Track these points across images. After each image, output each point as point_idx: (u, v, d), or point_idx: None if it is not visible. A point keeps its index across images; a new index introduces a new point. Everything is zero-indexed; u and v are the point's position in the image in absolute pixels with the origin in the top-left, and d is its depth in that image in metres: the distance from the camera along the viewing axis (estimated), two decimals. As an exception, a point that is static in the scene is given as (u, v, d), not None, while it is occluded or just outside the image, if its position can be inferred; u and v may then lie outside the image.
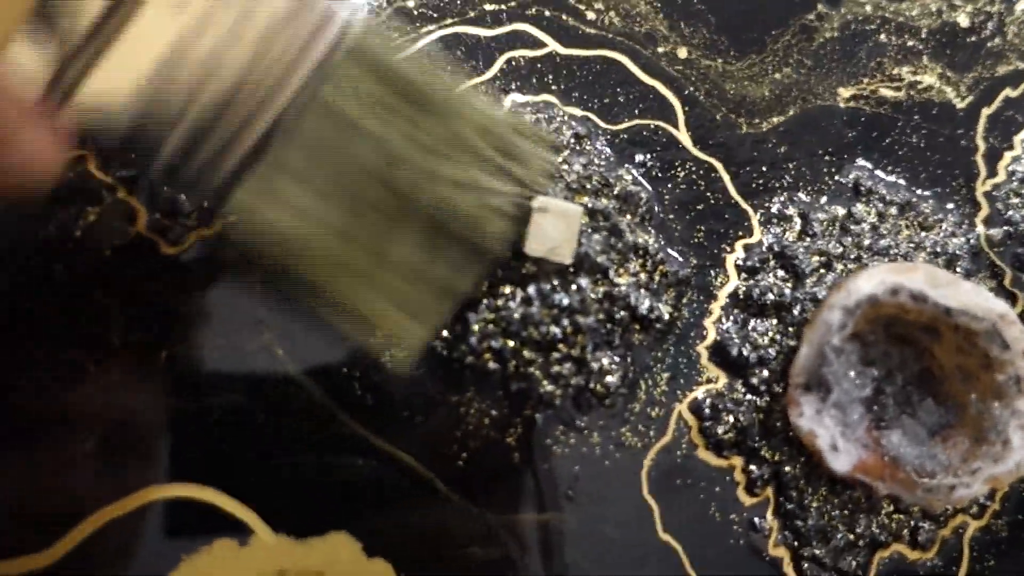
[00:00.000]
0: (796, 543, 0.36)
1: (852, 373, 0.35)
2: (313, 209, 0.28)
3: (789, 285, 0.37)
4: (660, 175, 0.38)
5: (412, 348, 0.31)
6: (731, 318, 0.37)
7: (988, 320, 0.32)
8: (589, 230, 0.35)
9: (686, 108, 0.39)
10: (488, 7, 0.38)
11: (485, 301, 0.34)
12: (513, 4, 0.38)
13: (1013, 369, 0.33)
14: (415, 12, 0.37)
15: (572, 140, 0.37)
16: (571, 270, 0.35)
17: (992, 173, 0.41)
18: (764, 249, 0.38)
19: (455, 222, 0.30)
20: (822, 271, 0.37)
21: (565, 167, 0.36)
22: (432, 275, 0.30)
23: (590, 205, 0.35)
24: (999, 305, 0.33)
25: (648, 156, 0.38)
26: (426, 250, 0.30)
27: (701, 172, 0.38)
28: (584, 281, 0.35)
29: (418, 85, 0.29)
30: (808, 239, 0.38)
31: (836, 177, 0.40)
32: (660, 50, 0.39)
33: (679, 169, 0.38)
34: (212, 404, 0.33)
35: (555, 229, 0.33)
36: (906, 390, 0.36)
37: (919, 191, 0.40)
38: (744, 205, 0.39)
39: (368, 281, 0.29)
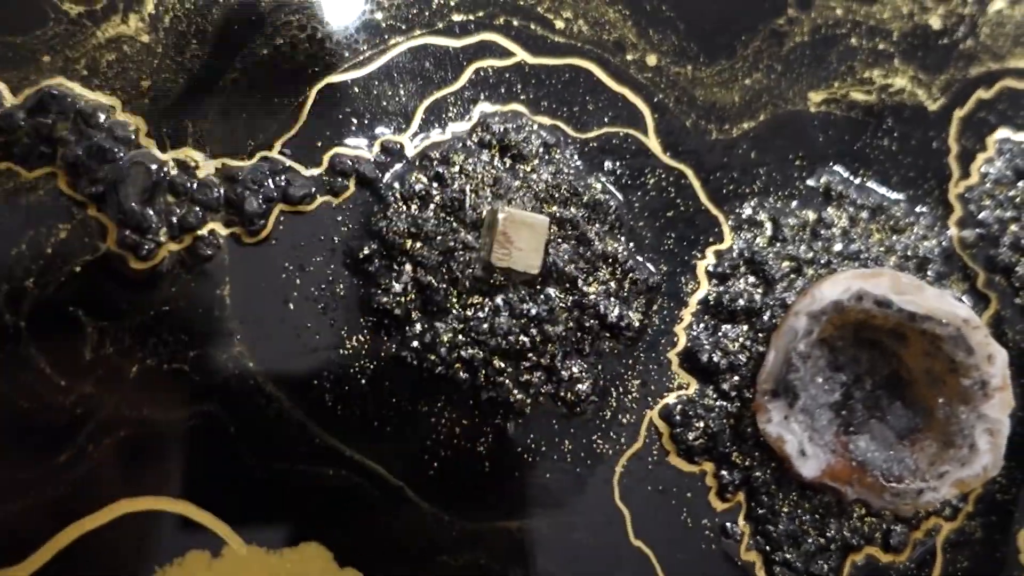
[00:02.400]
0: (768, 547, 0.36)
1: (820, 378, 0.35)
2: None
3: (759, 291, 0.38)
4: (630, 183, 0.38)
5: None
6: (702, 324, 0.37)
7: (952, 325, 0.33)
8: (558, 240, 0.35)
9: (656, 115, 0.39)
10: (456, 18, 0.38)
11: (454, 311, 0.35)
12: (481, 15, 0.38)
13: (978, 374, 0.33)
14: (383, 24, 0.37)
15: (541, 149, 0.37)
16: (539, 280, 0.35)
17: (965, 175, 0.41)
18: (735, 255, 0.38)
19: None
20: (792, 276, 0.38)
21: (534, 176, 0.36)
22: None
23: (558, 214, 0.36)
24: (963, 310, 0.33)
25: (618, 164, 0.38)
26: None
27: (671, 179, 0.38)
28: (553, 290, 0.35)
29: None
30: (778, 244, 0.38)
31: (807, 182, 0.40)
32: (629, 57, 0.39)
33: (649, 176, 0.38)
34: (183, 415, 0.33)
35: (522, 240, 0.33)
36: (875, 394, 0.36)
37: (891, 194, 0.40)
38: (715, 211, 0.39)
39: None
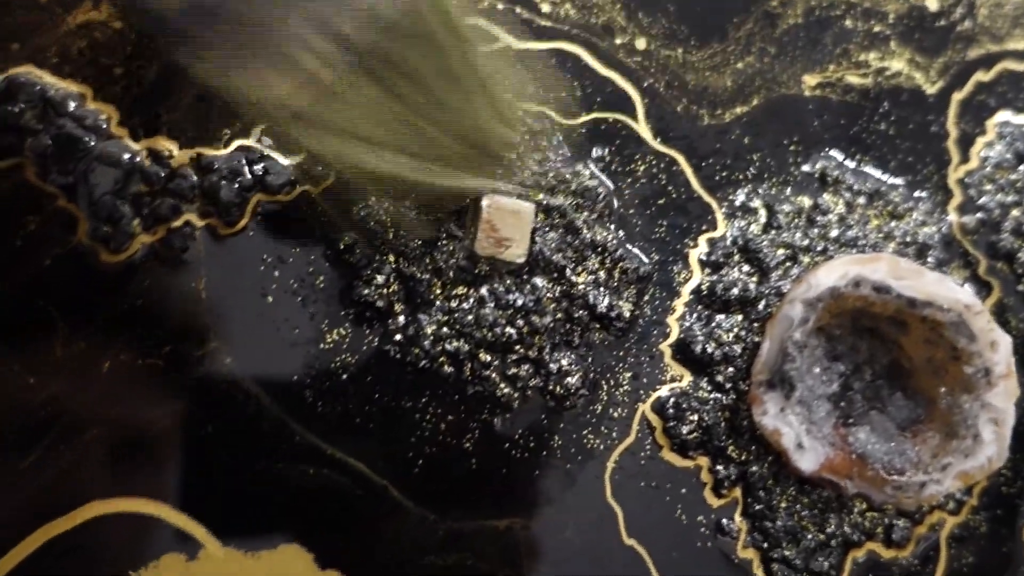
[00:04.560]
0: (765, 545, 0.35)
1: (817, 369, 0.34)
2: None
3: (754, 280, 0.36)
4: (620, 170, 0.37)
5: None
6: (695, 314, 0.36)
7: (954, 311, 0.31)
8: (545, 228, 0.34)
9: (646, 100, 0.38)
10: (439, 2, 0.37)
11: (438, 303, 0.33)
12: (465, -2, 0.37)
13: (981, 361, 0.32)
14: (363, 8, 0.36)
15: (528, 137, 0.36)
16: (526, 269, 0.34)
17: (964, 159, 0.40)
18: (728, 243, 0.37)
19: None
20: (788, 264, 0.37)
21: (519, 164, 0.35)
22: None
23: (545, 202, 0.34)
24: (965, 295, 0.32)
25: (607, 151, 0.37)
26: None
27: (662, 165, 0.37)
28: (540, 280, 0.34)
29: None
30: (773, 232, 0.37)
31: (802, 167, 0.39)
32: (618, 41, 0.38)
33: (639, 163, 0.37)
34: (158, 414, 0.32)
35: (507, 227, 0.32)
36: (875, 384, 0.35)
37: (889, 180, 0.39)
38: (707, 198, 0.38)
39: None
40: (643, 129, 0.37)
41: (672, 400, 0.35)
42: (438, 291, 0.33)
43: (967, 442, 0.32)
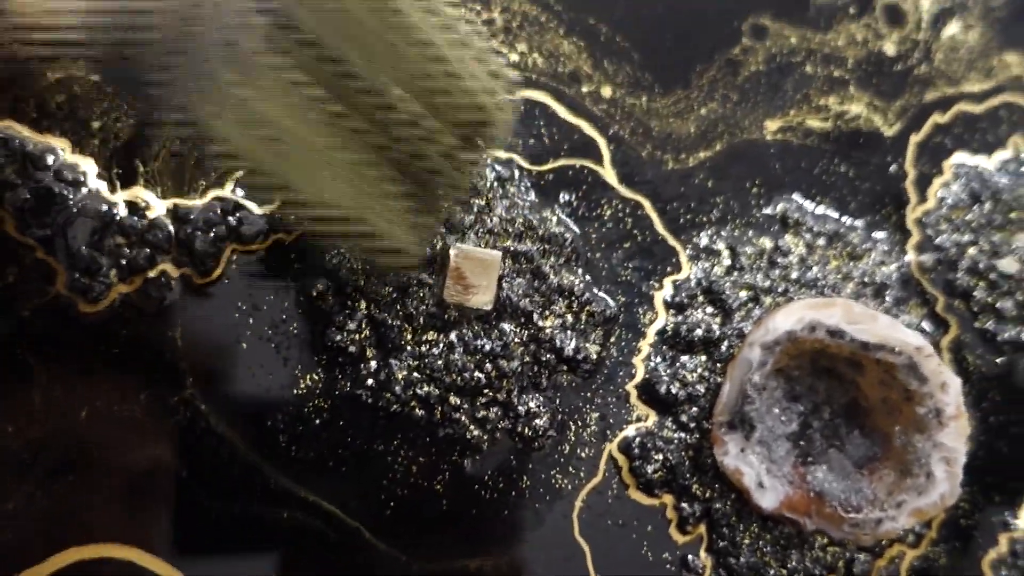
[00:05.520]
0: (730, 580, 0.36)
1: (776, 409, 0.35)
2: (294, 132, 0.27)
3: (718, 320, 0.37)
4: (587, 214, 0.38)
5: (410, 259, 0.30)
6: (660, 355, 0.37)
7: (905, 354, 0.33)
8: (512, 274, 0.35)
9: (611, 146, 0.39)
10: (410, 53, 0.38)
11: (409, 348, 0.34)
12: (435, 49, 0.38)
13: (932, 402, 0.33)
14: (336, 61, 0.37)
15: (495, 184, 0.37)
16: (493, 315, 0.35)
17: (922, 199, 0.42)
18: (692, 285, 0.38)
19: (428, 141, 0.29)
20: (750, 305, 0.38)
21: (487, 211, 0.36)
22: (419, 190, 0.29)
23: (513, 249, 0.36)
24: (915, 338, 0.33)
25: (574, 196, 0.38)
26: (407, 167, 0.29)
27: (628, 210, 0.39)
28: (508, 325, 0.35)
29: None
30: (736, 273, 0.38)
31: (764, 210, 0.40)
32: (584, 89, 0.39)
33: (605, 208, 0.38)
34: (134, 459, 0.33)
35: (474, 276, 0.33)
36: (833, 423, 0.36)
37: (848, 221, 0.40)
38: (672, 241, 0.39)
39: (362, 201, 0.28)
40: (609, 174, 0.39)
41: (638, 440, 0.36)
42: (409, 337, 0.34)
43: (920, 480, 0.33)
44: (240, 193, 0.35)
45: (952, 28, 0.43)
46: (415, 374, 0.34)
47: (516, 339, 0.35)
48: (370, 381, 0.34)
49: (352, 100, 0.27)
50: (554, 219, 0.37)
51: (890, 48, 0.42)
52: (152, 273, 0.34)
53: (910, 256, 0.40)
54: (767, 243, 0.39)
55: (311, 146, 0.27)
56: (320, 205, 0.28)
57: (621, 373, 0.37)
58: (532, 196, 0.37)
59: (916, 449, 0.33)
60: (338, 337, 0.34)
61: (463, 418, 0.35)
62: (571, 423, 0.36)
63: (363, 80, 0.27)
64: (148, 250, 0.34)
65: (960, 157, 0.42)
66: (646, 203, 0.39)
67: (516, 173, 0.37)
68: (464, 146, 0.30)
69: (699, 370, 0.37)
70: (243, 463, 0.34)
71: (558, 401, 0.36)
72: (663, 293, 0.38)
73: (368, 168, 0.28)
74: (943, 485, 0.33)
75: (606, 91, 0.39)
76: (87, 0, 0.26)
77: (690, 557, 0.36)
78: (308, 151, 0.27)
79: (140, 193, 0.34)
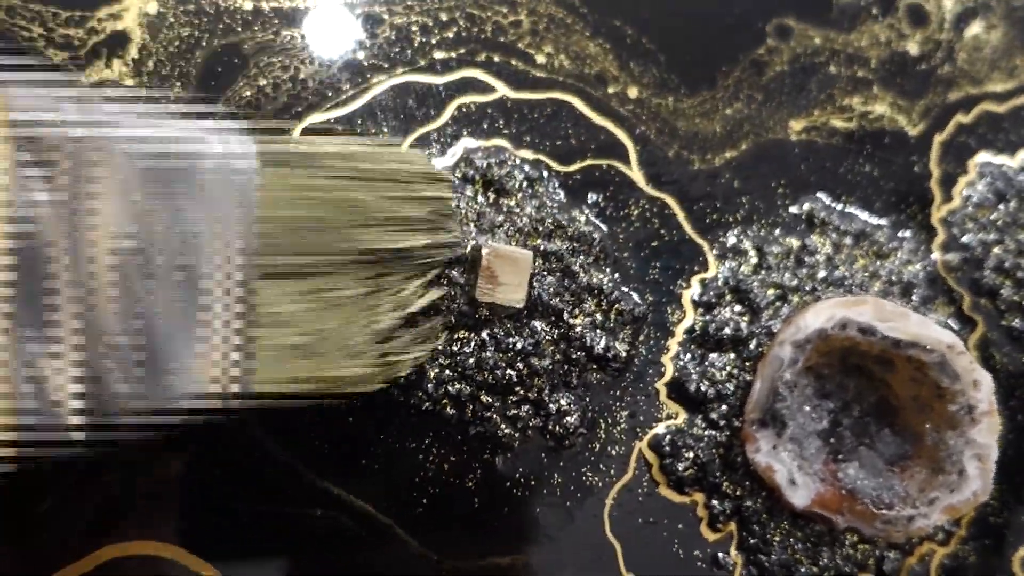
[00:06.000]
0: (761, 578, 0.36)
1: (807, 407, 0.35)
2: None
3: (745, 319, 0.38)
4: (614, 214, 0.38)
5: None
6: (689, 354, 0.37)
7: (937, 351, 0.33)
8: (543, 273, 0.36)
9: (638, 147, 0.39)
10: (438, 55, 0.38)
11: (440, 346, 0.35)
12: (463, 51, 0.38)
13: (964, 399, 0.33)
14: (365, 63, 0.37)
15: (524, 184, 0.37)
16: (525, 313, 0.35)
17: (947, 198, 0.42)
18: (720, 284, 0.38)
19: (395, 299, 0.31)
20: (778, 304, 0.38)
21: (517, 211, 0.36)
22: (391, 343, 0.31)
23: (543, 248, 0.36)
24: (947, 336, 0.33)
25: (601, 196, 0.38)
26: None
27: (655, 209, 0.39)
28: (538, 324, 0.35)
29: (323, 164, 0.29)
30: (763, 272, 0.38)
31: (790, 209, 0.40)
32: (611, 90, 0.39)
33: (633, 208, 0.39)
34: (168, 458, 0.33)
35: (506, 274, 0.34)
36: (863, 421, 0.36)
37: (874, 220, 0.40)
38: (699, 240, 0.39)
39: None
40: (636, 175, 0.39)
41: (668, 437, 0.36)
42: (440, 335, 0.35)
43: (953, 477, 0.33)
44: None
45: (975, 28, 0.43)
46: (447, 372, 0.34)
47: (547, 337, 0.35)
48: (402, 380, 0.34)
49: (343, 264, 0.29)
50: (583, 219, 0.37)
51: (913, 48, 0.43)
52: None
53: (936, 255, 0.40)
54: (794, 242, 0.39)
55: (336, 333, 0.29)
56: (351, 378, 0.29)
57: (650, 371, 0.37)
58: (561, 196, 0.38)
59: (948, 446, 0.33)
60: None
61: (494, 416, 0.35)
62: (601, 421, 0.36)
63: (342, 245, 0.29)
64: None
65: (984, 156, 0.42)
66: (673, 203, 0.39)
67: (545, 173, 0.38)
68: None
69: (728, 368, 0.37)
70: (276, 462, 0.34)
71: (588, 399, 0.36)
72: (691, 292, 0.38)
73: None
74: (976, 482, 0.33)
75: (632, 92, 0.40)
76: None
77: (720, 555, 0.36)
78: (336, 339, 0.29)
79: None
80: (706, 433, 0.37)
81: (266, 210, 0.27)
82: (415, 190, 0.31)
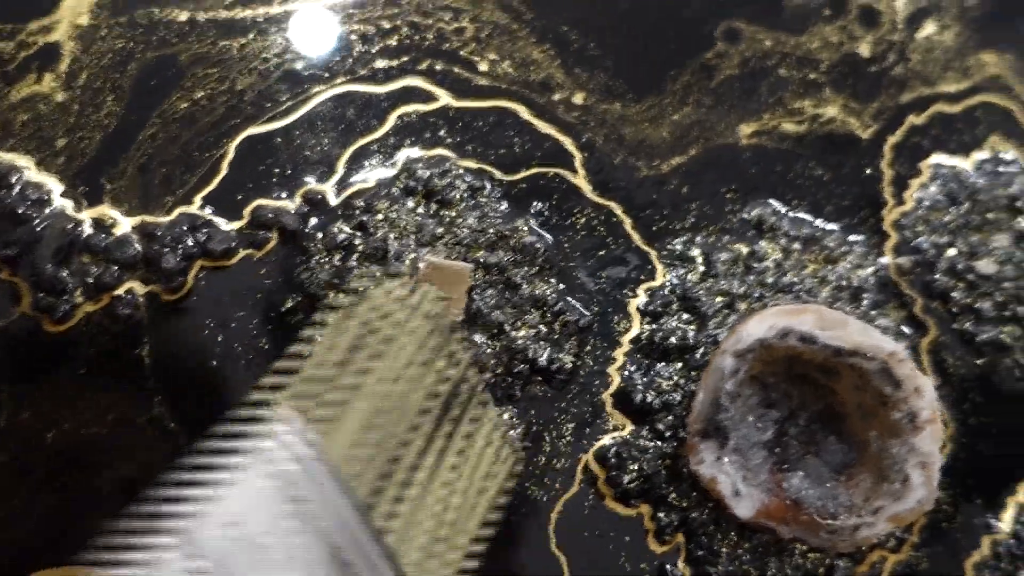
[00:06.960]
0: (709, 589, 0.36)
1: (752, 417, 0.35)
2: None
3: (693, 327, 0.37)
4: (560, 223, 0.38)
5: None
6: (635, 364, 0.37)
7: (878, 359, 0.32)
8: (483, 285, 0.35)
9: (584, 154, 0.39)
10: (379, 64, 0.38)
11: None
12: (404, 60, 0.38)
13: (907, 407, 0.32)
14: (303, 73, 0.37)
15: (466, 194, 0.37)
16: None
17: (899, 202, 0.41)
18: (667, 292, 0.38)
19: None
20: (726, 311, 0.37)
21: (459, 222, 0.36)
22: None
23: (484, 260, 0.35)
24: (888, 343, 0.33)
25: (546, 205, 0.38)
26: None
27: (601, 218, 0.38)
28: (479, 337, 0.35)
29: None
30: (711, 280, 0.38)
31: (739, 215, 0.39)
32: (556, 97, 0.39)
33: (579, 216, 0.38)
34: (102, 480, 0.33)
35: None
36: (810, 429, 0.36)
37: (824, 224, 0.40)
38: (646, 248, 0.39)
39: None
40: (582, 183, 0.38)
41: (614, 449, 0.36)
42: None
43: (897, 485, 0.33)
44: (208, 209, 0.35)
45: (928, 28, 0.43)
46: (387, 388, 0.34)
47: (488, 350, 0.35)
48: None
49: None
50: (526, 229, 0.37)
51: (865, 50, 0.42)
52: (119, 291, 0.33)
53: (887, 259, 0.40)
54: (742, 249, 0.39)
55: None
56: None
57: (596, 382, 0.37)
58: (504, 206, 0.37)
59: (892, 454, 0.33)
60: (307, 353, 0.34)
61: (436, 431, 0.34)
62: (546, 434, 0.36)
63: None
64: (115, 268, 0.33)
65: (937, 158, 0.42)
66: (619, 211, 0.39)
67: (487, 183, 0.37)
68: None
69: (675, 378, 0.37)
70: (214, 481, 0.33)
71: (532, 412, 0.36)
72: (638, 301, 0.38)
73: None
74: (920, 490, 0.33)
75: (578, 98, 0.39)
76: None
77: (668, 567, 0.36)
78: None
79: (106, 211, 0.34)
80: (652, 444, 0.36)
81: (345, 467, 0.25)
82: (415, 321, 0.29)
